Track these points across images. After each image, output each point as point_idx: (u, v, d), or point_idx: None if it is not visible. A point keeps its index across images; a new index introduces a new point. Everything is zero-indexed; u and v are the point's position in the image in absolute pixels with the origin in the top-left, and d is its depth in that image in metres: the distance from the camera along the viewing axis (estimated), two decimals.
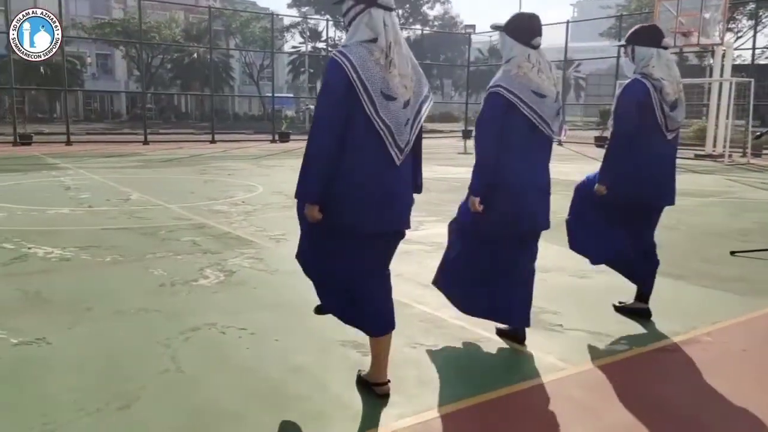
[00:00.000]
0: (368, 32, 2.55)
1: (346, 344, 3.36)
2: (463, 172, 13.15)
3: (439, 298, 3.69)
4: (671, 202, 3.82)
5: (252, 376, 3.02)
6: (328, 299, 2.85)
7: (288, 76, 55.15)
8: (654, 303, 3.97)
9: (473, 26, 50.50)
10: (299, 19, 47.37)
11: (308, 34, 46.16)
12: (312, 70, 46.14)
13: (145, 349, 3.29)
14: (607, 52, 27.66)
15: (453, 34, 53.72)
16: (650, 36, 3.69)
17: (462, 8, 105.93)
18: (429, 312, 3.97)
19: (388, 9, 2.58)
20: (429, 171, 14.43)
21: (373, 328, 2.77)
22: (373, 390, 2.80)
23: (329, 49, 52.18)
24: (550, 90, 3.16)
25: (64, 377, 2.93)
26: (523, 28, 3.19)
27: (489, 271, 3.32)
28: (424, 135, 2.86)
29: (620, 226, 3.80)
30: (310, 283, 2.92)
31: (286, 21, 50.55)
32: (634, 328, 3.79)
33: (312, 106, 42.65)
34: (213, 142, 21.47)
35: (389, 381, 2.82)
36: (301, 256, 2.85)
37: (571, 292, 4.52)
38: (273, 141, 22.77)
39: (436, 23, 56.80)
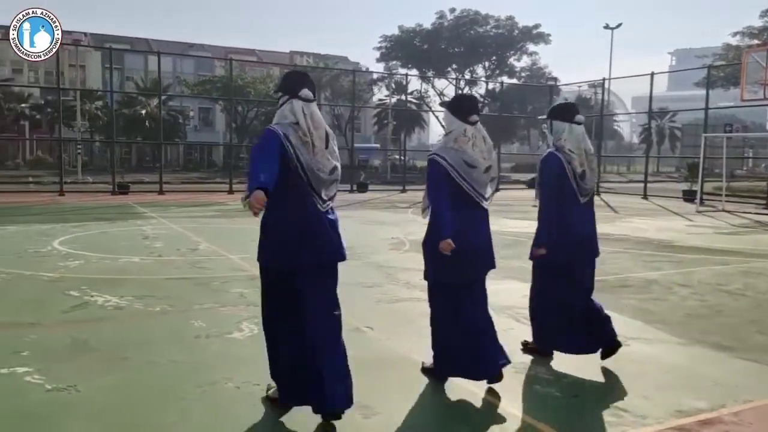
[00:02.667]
0: (291, 117, 3.12)
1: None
2: (527, 226, 13.04)
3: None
4: (597, 255, 4.37)
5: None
6: None
7: (374, 128, 56.72)
8: (687, 375, 3.79)
9: (554, 78, 50.14)
10: (386, 74, 48.76)
11: (394, 87, 47.41)
12: (395, 122, 47.12)
13: (161, 401, 3.48)
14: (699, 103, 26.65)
15: (540, 86, 53.61)
16: (565, 112, 4.20)
17: (551, 59, 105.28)
18: None
19: (307, 101, 3.15)
20: (493, 224, 14.28)
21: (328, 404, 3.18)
22: None
23: (413, 101, 53.36)
24: (480, 162, 3.63)
25: (78, 425, 3.16)
26: (462, 107, 3.72)
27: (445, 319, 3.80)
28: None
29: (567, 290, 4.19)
30: None
31: (376, 75, 52.33)
32: (658, 403, 3.61)
33: (396, 156, 43.55)
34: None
35: None
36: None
37: (603, 361, 4.35)
38: (351, 191, 23.33)
39: (523, 74, 56.98)
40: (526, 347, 4.51)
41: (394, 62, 51.90)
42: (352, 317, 5.24)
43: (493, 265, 3.87)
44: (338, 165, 3.20)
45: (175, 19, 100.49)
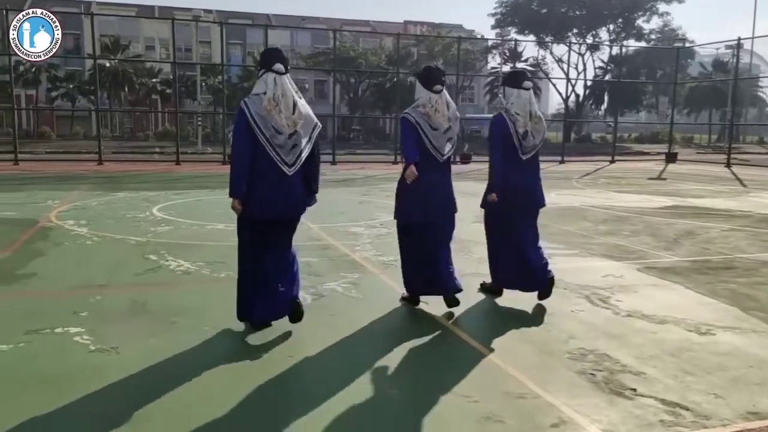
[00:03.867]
0: (262, 87, 3.89)
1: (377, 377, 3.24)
2: (638, 201, 12.10)
3: None
4: (540, 206, 4.93)
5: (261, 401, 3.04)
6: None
7: (485, 98, 55.38)
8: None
9: (683, 41, 46.03)
10: (498, 40, 47.23)
11: (507, 54, 45.82)
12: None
13: (193, 365, 3.48)
14: None
15: (669, 49, 49.61)
16: (514, 79, 4.82)
17: (685, 20, 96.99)
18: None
19: (278, 72, 3.89)
20: (602, 198, 13.69)
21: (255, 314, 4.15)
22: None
23: (529, 68, 51.28)
24: (441, 125, 4.42)
25: (108, 388, 3.21)
26: (429, 78, 4.44)
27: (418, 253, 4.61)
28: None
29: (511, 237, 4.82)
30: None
31: (490, 42, 50.87)
32: (730, 401, 3.13)
33: None
34: (395, 162, 22.20)
35: None
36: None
37: (677, 350, 3.88)
38: (454, 162, 22.84)
39: (653, 37, 52.90)
40: (482, 287, 5.17)
41: (510, 28, 50.16)
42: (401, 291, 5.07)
43: (452, 211, 4.66)
44: (301, 131, 3.91)
45: None
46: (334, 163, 21.92)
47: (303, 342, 3.95)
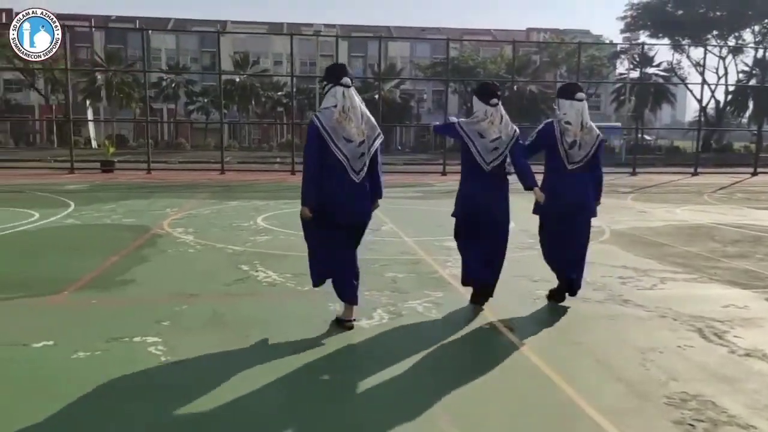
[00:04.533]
0: (332, 101, 4.16)
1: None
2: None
3: None
4: (590, 216, 5.10)
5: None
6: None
7: (611, 105, 52.78)
8: None
9: None
10: (627, 45, 44.80)
11: (637, 59, 43.31)
12: (633, 98, 43.07)
13: (251, 383, 3.41)
14: None
15: None
16: (567, 90, 4.95)
17: None
18: None
19: (345, 86, 4.16)
20: (736, 215, 12.41)
21: (345, 296, 4.41)
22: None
23: (661, 73, 48.23)
24: (490, 134, 4.70)
25: (163, 402, 3.20)
26: (485, 92, 4.80)
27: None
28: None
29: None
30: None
31: (619, 46, 48.45)
32: None
33: (639, 136, 39.80)
34: (443, 174, 21.55)
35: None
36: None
37: None
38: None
39: None
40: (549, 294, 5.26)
41: (641, 32, 47.47)
42: (491, 311, 4.77)
43: (502, 216, 4.93)
44: (367, 141, 4.18)
45: (412, 3, 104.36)
46: (444, 173, 21.66)
47: (368, 365, 3.76)
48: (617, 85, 49.08)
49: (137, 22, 53.30)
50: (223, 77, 48.12)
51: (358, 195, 4.21)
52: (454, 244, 7.76)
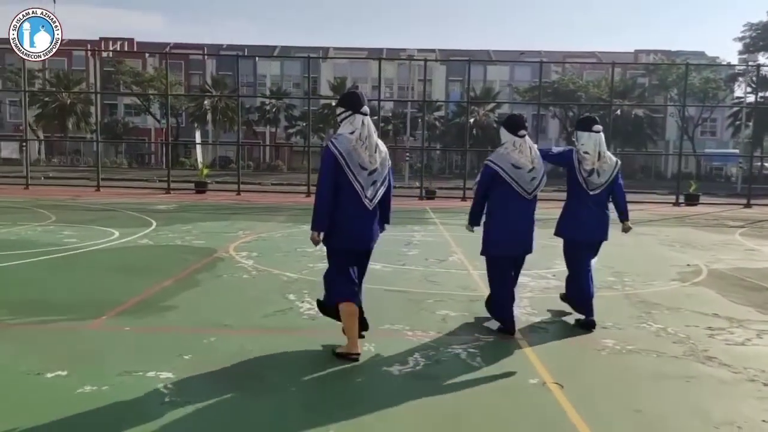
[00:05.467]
0: (350, 128, 4.16)
1: None
2: None
3: None
4: (604, 239, 5.39)
5: None
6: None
7: (728, 130, 49.24)
8: None
9: None
10: (743, 66, 41.69)
11: (756, 82, 40.09)
12: (750, 123, 39.82)
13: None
14: None
15: None
16: (585, 123, 5.31)
17: None
18: None
19: (364, 114, 4.18)
20: None
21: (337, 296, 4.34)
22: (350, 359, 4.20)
23: None
24: (525, 164, 4.85)
25: None
26: (513, 124, 4.97)
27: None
28: None
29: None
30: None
31: (736, 68, 45.22)
32: None
33: (758, 164, 36.58)
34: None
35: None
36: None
37: None
38: (676, 204, 20.24)
39: None
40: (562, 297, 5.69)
41: (761, 53, 44.13)
42: (543, 362, 4.16)
43: (530, 247, 5.06)
44: (379, 169, 4.19)
45: (509, 28, 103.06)
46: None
47: (390, 421, 3.32)
48: (734, 110, 45.75)
49: (245, 50, 55.92)
50: (322, 102, 49.59)
51: (368, 221, 4.24)
52: (525, 279, 7.22)
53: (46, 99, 46.70)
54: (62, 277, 6.85)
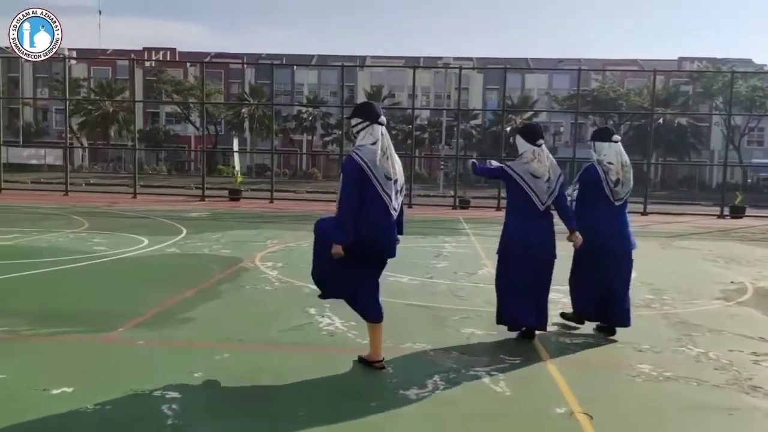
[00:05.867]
0: (371, 138, 4.09)
1: None
2: None
3: None
4: (632, 247, 5.37)
5: None
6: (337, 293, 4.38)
7: None
8: None
9: None
10: None
11: None
12: None
13: None
14: None
15: None
16: (604, 134, 5.35)
17: None
18: None
19: (382, 124, 4.13)
20: None
21: (372, 316, 4.28)
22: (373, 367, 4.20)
23: None
24: (542, 173, 4.84)
25: None
26: (532, 133, 4.98)
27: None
28: None
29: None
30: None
31: None
32: None
33: None
34: (644, 213, 19.67)
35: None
36: (318, 276, 4.37)
37: None
38: (720, 215, 19.47)
39: None
40: (563, 315, 5.59)
41: None
42: (572, 388, 3.86)
43: (552, 257, 4.97)
44: (399, 178, 4.19)
45: (548, 36, 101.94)
46: None
47: None
48: None
49: (283, 59, 56.48)
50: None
51: (393, 230, 4.22)
52: (556, 296, 6.91)
53: (90, 107, 47.87)
54: (85, 286, 6.82)
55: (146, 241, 10.03)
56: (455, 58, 49.60)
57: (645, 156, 43.00)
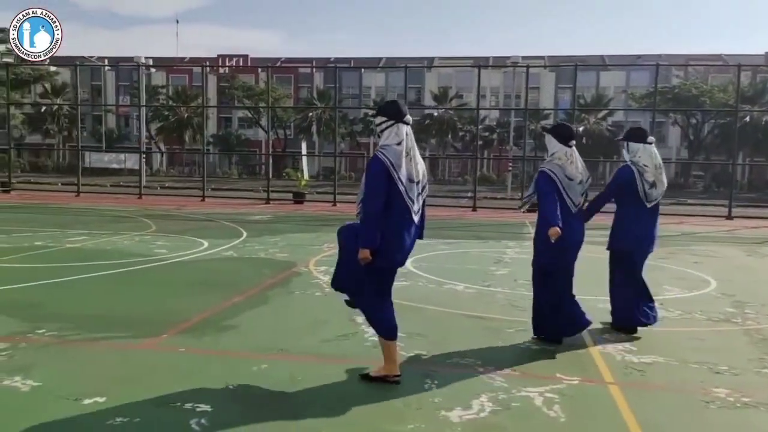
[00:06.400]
0: (396, 138, 3.89)
1: None
2: None
3: None
4: (652, 250, 5.37)
5: None
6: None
7: None
8: None
9: None
10: None
11: None
12: None
13: None
14: None
15: None
16: (639, 135, 5.33)
17: None
18: None
19: (408, 124, 3.96)
20: None
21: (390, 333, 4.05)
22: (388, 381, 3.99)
23: None
24: (576, 176, 4.84)
25: None
26: (565, 134, 4.93)
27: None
28: None
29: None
30: None
31: None
32: None
33: None
34: (729, 217, 18.42)
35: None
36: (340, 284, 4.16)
37: None
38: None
39: None
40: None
41: None
42: (638, 416, 3.50)
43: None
44: (422, 181, 4.00)
45: (625, 31, 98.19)
46: None
47: None
48: None
49: (351, 62, 56.85)
50: (425, 112, 49.33)
51: (413, 236, 4.05)
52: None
53: (167, 113, 49.69)
54: (137, 290, 6.85)
55: (206, 244, 10.11)
56: (524, 57, 48.45)
57: (730, 156, 40.73)
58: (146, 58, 36.74)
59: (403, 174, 3.86)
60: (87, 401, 3.63)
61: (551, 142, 4.90)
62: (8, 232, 11.06)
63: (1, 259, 8.28)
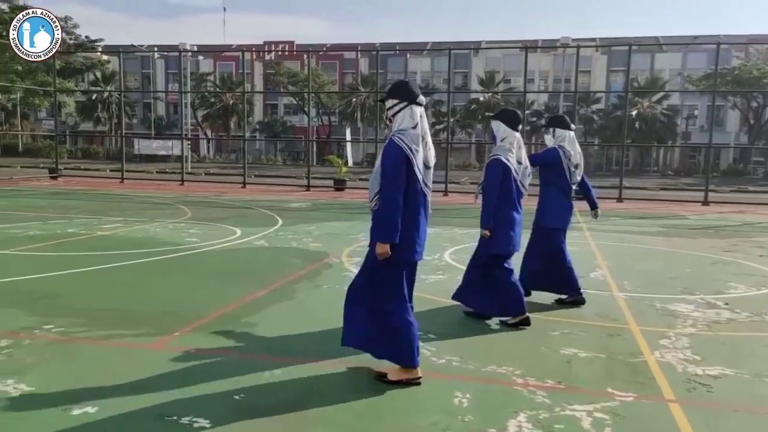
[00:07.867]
0: (411, 122, 3.65)
1: None
2: None
3: None
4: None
5: None
6: None
7: None
8: None
9: None
10: None
11: None
12: None
13: None
14: None
15: None
16: (565, 122, 5.76)
17: None
18: None
19: (421, 105, 3.71)
20: None
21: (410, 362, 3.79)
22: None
23: None
24: (524, 160, 5.01)
25: None
26: (515, 120, 5.04)
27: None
28: None
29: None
30: None
31: None
32: None
33: None
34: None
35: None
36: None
37: None
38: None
39: None
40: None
41: None
42: None
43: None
44: (432, 167, 3.73)
45: (681, 12, 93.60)
46: (706, 202, 18.07)
47: None
48: None
49: (397, 47, 56.11)
50: (471, 96, 48.30)
51: (426, 226, 3.75)
52: (687, 307, 5.76)
53: (213, 100, 50.07)
54: (159, 281, 6.54)
55: (239, 233, 9.80)
56: (575, 39, 46.72)
57: None
58: (191, 45, 36.84)
59: (420, 159, 3.60)
60: (76, 411, 3.27)
61: (500, 127, 4.98)
62: (45, 219, 11.01)
63: (31, 247, 8.14)
